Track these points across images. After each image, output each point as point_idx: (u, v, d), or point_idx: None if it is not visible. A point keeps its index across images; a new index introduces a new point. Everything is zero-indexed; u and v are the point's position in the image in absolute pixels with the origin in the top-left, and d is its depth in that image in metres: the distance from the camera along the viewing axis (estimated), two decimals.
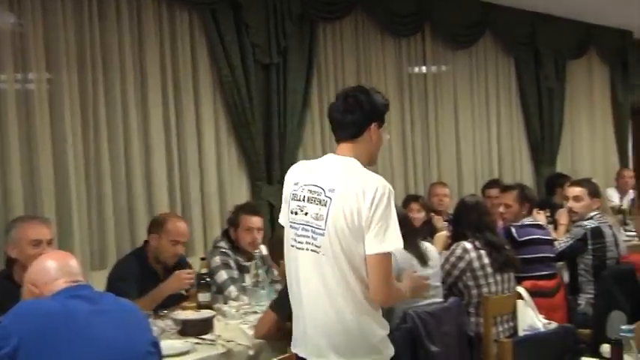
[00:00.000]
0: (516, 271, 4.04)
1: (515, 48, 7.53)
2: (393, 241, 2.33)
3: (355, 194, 2.35)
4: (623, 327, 1.94)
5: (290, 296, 2.54)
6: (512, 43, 7.48)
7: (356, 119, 2.47)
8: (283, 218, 2.54)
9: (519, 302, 3.86)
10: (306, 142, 5.72)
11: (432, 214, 5.40)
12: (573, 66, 8.41)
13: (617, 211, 6.56)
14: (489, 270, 3.90)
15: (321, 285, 2.39)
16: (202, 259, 3.77)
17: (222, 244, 4.03)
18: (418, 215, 5.18)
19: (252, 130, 5.19)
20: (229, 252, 3.99)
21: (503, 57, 7.54)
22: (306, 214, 2.42)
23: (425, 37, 6.69)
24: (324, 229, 2.37)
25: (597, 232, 4.47)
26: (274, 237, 4.54)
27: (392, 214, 2.35)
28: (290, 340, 2.58)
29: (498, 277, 3.93)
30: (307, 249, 2.42)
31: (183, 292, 3.78)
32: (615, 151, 9.19)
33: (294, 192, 2.48)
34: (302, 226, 2.43)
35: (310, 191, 2.44)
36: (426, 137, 6.77)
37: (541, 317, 3.77)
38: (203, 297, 3.49)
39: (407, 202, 5.36)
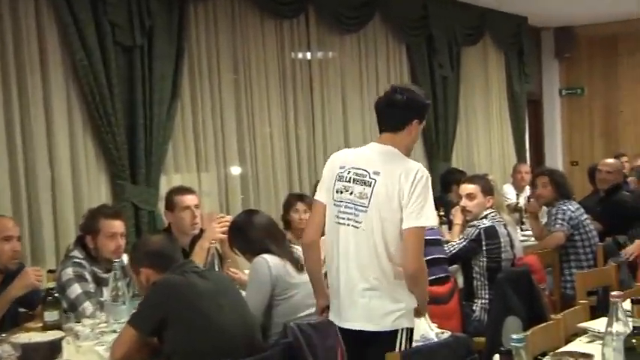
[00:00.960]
0: None
1: (407, 33, 7.73)
2: (428, 217, 2.97)
3: (398, 176, 2.99)
4: (514, 336, 2.01)
5: (328, 269, 3.17)
6: (403, 27, 7.66)
7: (401, 114, 3.08)
8: (321, 196, 3.18)
9: None
10: (176, 136, 5.60)
11: None
12: (468, 53, 8.74)
13: (514, 209, 6.86)
14: None
15: (356, 256, 3.03)
16: (50, 271, 3.60)
17: (76, 253, 3.88)
18: (304, 216, 4.98)
19: (113, 123, 5.01)
20: (84, 262, 3.84)
21: (395, 42, 7.72)
22: (351, 193, 3.06)
23: (309, 19, 6.73)
24: (367, 207, 3.01)
25: (491, 232, 4.64)
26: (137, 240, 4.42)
27: (429, 195, 2.98)
28: (154, 356, 2.74)
29: None
30: (349, 224, 3.05)
31: (30, 310, 3.62)
32: (512, 145, 9.65)
33: (341, 173, 3.10)
34: (345, 203, 3.07)
35: (356, 174, 3.07)
36: (312, 129, 6.82)
37: (434, 326, 3.86)
38: (50, 316, 3.34)
39: (290, 201, 5.21)
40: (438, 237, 4.65)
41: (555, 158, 10.82)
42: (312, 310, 3.58)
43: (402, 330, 3.09)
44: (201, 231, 4.26)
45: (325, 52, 7.00)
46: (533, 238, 5.93)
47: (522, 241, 5.78)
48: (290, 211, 5.08)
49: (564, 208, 5.58)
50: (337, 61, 7.10)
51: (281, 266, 3.52)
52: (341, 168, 3.13)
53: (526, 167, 8.24)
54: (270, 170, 6.38)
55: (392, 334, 3.05)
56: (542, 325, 3.10)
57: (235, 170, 6.17)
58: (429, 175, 3.03)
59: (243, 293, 3.50)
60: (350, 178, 3.09)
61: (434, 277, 4.36)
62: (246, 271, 3.87)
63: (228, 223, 3.96)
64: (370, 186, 3.03)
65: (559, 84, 10.91)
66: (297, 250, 3.76)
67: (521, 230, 6.35)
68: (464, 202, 4.88)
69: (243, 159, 6.22)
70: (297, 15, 6.56)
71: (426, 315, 3.78)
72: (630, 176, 7.44)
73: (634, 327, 2.25)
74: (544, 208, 5.89)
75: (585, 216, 5.65)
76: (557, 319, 3.13)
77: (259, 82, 6.30)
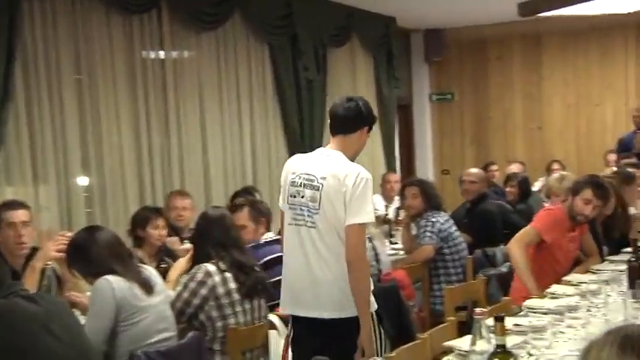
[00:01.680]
0: (269, 296, 4.13)
1: (269, 32, 7.76)
2: (367, 214, 3.53)
3: (342, 179, 3.52)
4: (377, 358, 2.04)
5: (286, 267, 3.68)
6: (265, 26, 7.69)
7: (354, 119, 3.66)
8: (283, 202, 3.70)
9: (271, 333, 3.95)
10: (8, 143, 5.36)
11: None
12: (335, 55, 8.90)
13: (382, 220, 7.01)
14: (236, 297, 3.94)
15: (314, 253, 3.58)
16: None
17: None
18: (164, 232, 4.86)
19: None
20: None
21: (256, 42, 7.73)
22: (302, 197, 3.60)
23: (162, 14, 6.62)
24: (319, 209, 3.56)
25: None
26: None
27: (368, 196, 3.54)
28: None
29: (247, 305, 3.98)
30: (306, 226, 3.59)
31: None
32: (381, 153, 9.89)
33: (293, 179, 3.64)
34: (299, 206, 3.62)
35: (306, 179, 3.61)
36: (166, 135, 6.70)
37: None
38: None
39: (147, 216, 4.92)
40: None
41: (426, 166, 11.21)
42: (164, 335, 3.53)
43: (371, 314, 3.59)
44: (35, 250, 4.08)
45: (180, 52, 6.91)
46: (402, 252, 6.06)
47: (391, 254, 5.90)
48: (146, 226, 4.89)
49: (433, 220, 5.76)
50: (194, 62, 7.02)
51: (126, 288, 3.43)
52: (293, 174, 3.68)
53: (395, 176, 8.45)
54: (119, 181, 6.22)
55: (353, 320, 3.53)
56: (408, 345, 3.17)
57: (79, 181, 5.97)
58: (370, 177, 3.58)
59: (83, 320, 3.37)
60: (301, 183, 3.64)
61: None
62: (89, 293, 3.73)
63: (66, 241, 3.80)
64: (319, 190, 3.58)
65: (429, 89, 11.34)
66: (148, 270, 3.68)
67: (390, 243, 6.49)
68: None
69: (88, 169, 6.03)
70: (147, 10, 6.44)
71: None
72: (510, 183, 7.75)
73: (497, 345, 2.34)
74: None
75: (454, 228, 5.85)
76: (424, 338, 3.21)
77: (105, 83, 6.14)
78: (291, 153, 8.06)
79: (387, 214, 7.24)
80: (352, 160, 3.66)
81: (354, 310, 3.52)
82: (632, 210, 5.68)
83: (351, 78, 9.34)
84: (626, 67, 10.42)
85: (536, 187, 9.08)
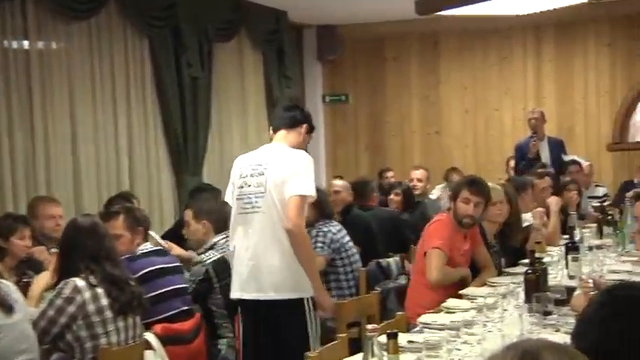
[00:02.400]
0: (145, 313, 4.07)
1: (149, 24, 7.65)
2: (308, 188, 4.14)
3: (287, 162, 4.18)
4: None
5: (237, 256, 4.27)
6: (144, 17, 7.57)
7: (294, 115, 4.40)
8: (228, 196, 4.42)
9: (147, 353, 3.88)
10: None
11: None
12: (222, 51, 8.86)
13: None
14: (109, 314, 3.85)
15: (258, 236, 4.19)
16: None
17: None
18: (29, 243, 4.79)
19: None
20: None
21: (135, 35, 7.61)
22: (249, 186, 4.24)
23: (26, 1, 6.43)
24: (264, 192, 4.17)
25: (222, 266, 4.66)
26: None
27: (310, 173, 4.17)
28: None
29: (121, 323, 3.90)
30: (252, 212, 4.21)
31: None
32: None
33: (241, 173, 4.31)
34: (247, 196, 4.24)
35: (253, 168, 4.26)
36: (30, 136, 6.50)
37: None
38: None
39: (11, 225, 4.83)
40: (178, 264, 4.62)
41: (318, 172, 11.25)
42: (25, 356, 3.45)
43: (307, 299, 4.18)
44: None
45: (47, 42, 6.72)
46: None
47: None
48: (11, 237, 4.74)
49: (325, 229, 5.81)
50: (63, 54, 6.84)
51: None
52: (240, 168, 4.34)
53: None
54: None
55: (299, 302, 4.14)
56: None
57: None
58: (312, 159, 4.24)
59: None
60: (248, 173, 4.28)
61: (175, 310, 4.35)
62: None
63: None
64: (264, 174, 4.21)
65: (322, 89, 11.45)
66: (6, 285, 3.55)
67: None
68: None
69: None
70: None
71: (166, 357, 3.77)
72: (394, 191, 7.86)
73: None
74: None
75: (347, 238, 5.92)
76: (313, 357, 3.23)
77: None
78: (173, 156, 8.00)
79: None
80: None
81: (298, 292, 4.14)
82: (527, 219, 5.90)
83: (239, 76, 9.32)
84: (525, 72, 10.83)
85: (433, 194, 9.30)
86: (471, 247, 4.93)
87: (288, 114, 4.40)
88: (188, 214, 4.93)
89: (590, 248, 5.25)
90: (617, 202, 8.37)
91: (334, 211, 6.19)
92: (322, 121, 11.36)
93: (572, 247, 4.86)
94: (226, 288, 4.51)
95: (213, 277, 4.68)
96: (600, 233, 6.43)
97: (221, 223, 4.80)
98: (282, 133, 4.36)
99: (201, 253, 4.85)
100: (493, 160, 10.62)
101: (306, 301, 4.19)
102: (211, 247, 4.80)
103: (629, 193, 8.03)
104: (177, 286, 4.42)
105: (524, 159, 8.82)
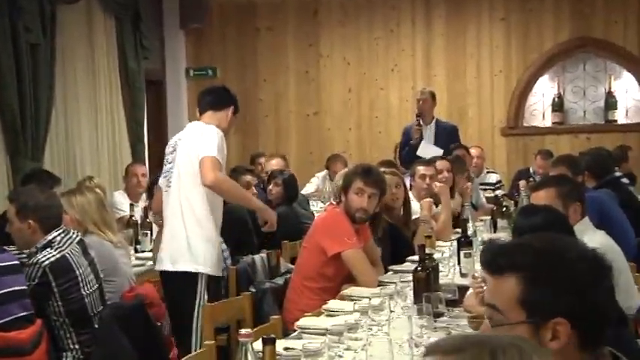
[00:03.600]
0: None
1: None
2: (215, 150, 4.81)
3: (198, 136, 4.91)
4: None
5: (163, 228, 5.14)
6: None
7: (219, 97, 5.25)
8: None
9: None
10: None
11: None
12: (66, 15, 8.63)
13: (126, 223, 6.91)
14: None
15: (168, 212, 5.05)
16: None
17: None
18: None
19: None
20: None
21: None
22: (169, 162, 5.07)
23: None
24: (172, 168, 5.00)
25: (61, 266, 4.47)
26: None
27: (217, 139, 4.87)
28: None
29: None
30: (167, 190, 5.04)
31: None
32: (127, 139, 9.73)
33: (166, 151, 5.16)
34: (166, 173, 5.09)
35: (172, 146, 5.11)
36: None
37: None
38: None
39: None
40: (15, 262, 4.43)
41: None
42: None
43: (201, 274, 4.92)
44: None
45: None
46: (150, 262, 6.01)
47: (137, 265, 5.85)
48: None
49: None
50: None
51: None
52: (167, 147, 5.19)
53: (143, 169, 8.36)
54: None
55: (191, 276, 4.90)
56: None
57: None
58: (222, 133, 4.95)
59: None
60: (169, 151, 5.13)
61: (11, 317, 4.20)
62: None
63: None
64: (175, 150, 5.02)
65: (186, 62, 11.35)
66: None
67: (136, 252, 6.43)
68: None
69: None
70: None
71: None
72: (274, 181, 7.85)
73: None
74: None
75: None
76: None
77: None
78: (8, 137, 7.73)
79: (132, 216, 7.14)
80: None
81: (189, 265, 4.90)
82: (414, 212, 6.03)
83: (87, 44, 9.11)
84: (414, 47, 11.05)
85: (309, 187, 9.32)
86: (363, 239, 4.98)
87: (214, 95, 5.23)
88: (10, 210, 4.66)
89: (484, 243, 5.40)
90: (512, 193, 8.68)
91: None
92: (186, 97, 11.28)
93: (464, 242, 4.99)
94: (67, 292, 4.39)
95: (51, 281, 4.45)
96: (494, 226, 6.64)
97: (51, 221, 4.56)
98: (207, 114, 5.15)
99: (35, 253, 4.60)
100: (379, 146, 10.79)
101: (200, 277, 4.92)
102: (48, 245, 4.55)
103: (522, 182, 8.34)
104: (13, 289, 4.26)
105: (408, 145, 8.89)
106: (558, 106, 10.73)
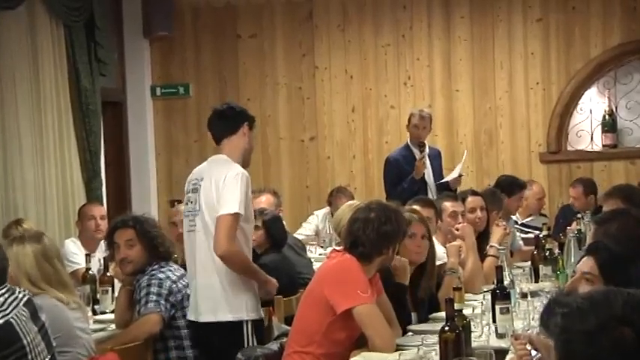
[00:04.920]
0: None
1: None
2: (235, 205, 5.46)
3: (221, 179, 5.54)
4: None
5: (188, 273, 5.87)
6: None
7: (231, 120, 5.88)
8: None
9: None
10: None
11: None
12: (4, 21, 8.67)
13: (82, 278, 6.87)
14: None
15: (195, 256, 5.72)
16: None
17: None
18: None
19: None
20: None
21: None
22: (192, 202, 5.75)
23: None
24: (198, 210, 5.68)
25: (6, 335, 4.40)
26: None
27: (241, 189, 5.50)
28: None
29: None
30: (193, 230, 5.74)
31: None
32: (79, 175, 9.70)
33: (187, 188, 5.87)
34: (189, 212, 5.79)
35: (193, 184, 5.78)
36: None
37: None
38: None
39: None
40: None
41: (148, 194, 11.16)
42: None
43: (245, 322, 5.59)
44: None
45: None
46: (114, 325, 6.02)
47: (97, 330, 5.88)
48: None
49: (160, 276, 5.78)
50: None
51: None
52: (188, 183, 5.90)
53: (101, 210, 8.33)
54: None
55: (236, 325, 5.56)
56: None
57: None
58: (248, 175, 5.63)
59: None
60: (190, 189, 5.82)
61: None
62: None
63: None
64: (197, 192, 5.69)
65: (151, 78, 11.37)
66: None
67: (95, 313, 6.40)
68: None
69: None
70: None
71: None
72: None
73: None
74: None
75: None
76: None
77: None
78: None
79: (88, 269, 7.10)
80: (246, 162, 5.90)
81: (231, 314, 5.54)
82: (439, 257, 6.04)
83: (30, 55, 9.13)
84: (431, 55, 11.08)
85: (306, 229, 9.31)
86: (374, 295, 4.99)
87: (222, 119, 5.93)
88: None
89: (524, 295, 5.40)
90: (557, 232, 8.64)
91: (173, 249, 6.14)
92: (151, 122, 11.26)
93: (500, 295, 4.98)
94: None
95: None
96: (536, 274, 6.62)
97: None
98: (224, 143, 5.86)
99: None
100: None
101: (244, 325, 5.60)
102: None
103: (573, 226, 8.22)
104: None
105: (406, 180, 8.92)
106: (610, 125, 10.75)
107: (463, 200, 7.16)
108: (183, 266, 6.10)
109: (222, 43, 11.37)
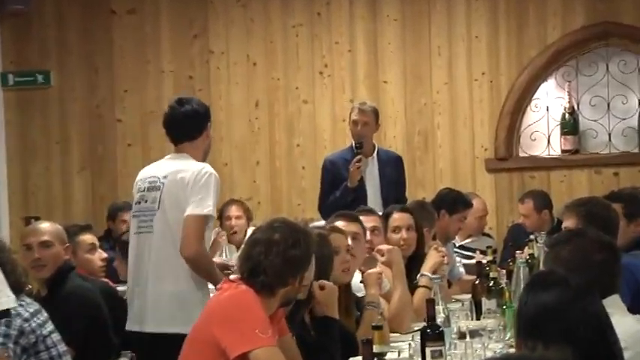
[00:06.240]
0: None
1: None
2: (207, 207, 6.11)
3: (186, 177, 6.15)
4: None
5: (130, 279, 6.40)
6: None
7: (197, 122, 6.47)
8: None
9: None
10: None
11: None
12: None
13: None
14: None
15: (148, 261, 6.20)
16: None
17: None
18: None
19: None
20: None
21: None
22: (146, 201, 6.30)
23: None
24: (157, 210, 6.21)
25: None
26: None
27: (211, 190, 6.13)
28: None
29: None
30: (145, 232, 6.27)
31: None
32: None
33: (139, 186, 6.44)
34: (142, 212, 6.33)
35: (149, 182, 6.34)
36: None
37: None
38: None
39: None
40: None
41: None
42: None
43: None
44: None
45: None
46: None
47: None
48: None
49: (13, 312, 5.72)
50: None
51: None
52: (140, 181, 6.39)
53: None
54: None
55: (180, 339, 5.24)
56: None
57: None
58: (215, 173, 6.20)
59: None
60: (145, 187, 6.32)
61: None
62: None
63: None
64: (159, 189, 6.19)
65: (2, 64, 11.28)
66: None
67: None
68: None
69: None
70: None
71: None
72: None
73: None
74: None
75: (50, 326, 5.84)
76: None
77: None
78: None
79: None
80: (204, 159, 6.40)
81: (183, 326, 5.44)
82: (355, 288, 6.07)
83: None
84: (353, 39, 11.11)
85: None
86: (276, 336, 4.97)
87: (192, 122, 6.44)
88: None
89: (462, 335, 5.43)
90: (505, 258, 8.68)
91: (26, 279, 6.08)
92: (1, 118, 11.12)
93: (432, 335, 5.00)
94: None
95: None
96: (477, 309, 6.65)
97: None
98: (185, 145, 6.36)
99: None
100: (302, 188, 10.76)
101: None
102: None
103: (525, 251, 8.19)
104: None
105: (339, 187, 8.92)
106: (570, 126, 10.86)
107: (387, 217, 7.17)
108: (39, 299, 6.08)
109: (93, 21, 11.30)
